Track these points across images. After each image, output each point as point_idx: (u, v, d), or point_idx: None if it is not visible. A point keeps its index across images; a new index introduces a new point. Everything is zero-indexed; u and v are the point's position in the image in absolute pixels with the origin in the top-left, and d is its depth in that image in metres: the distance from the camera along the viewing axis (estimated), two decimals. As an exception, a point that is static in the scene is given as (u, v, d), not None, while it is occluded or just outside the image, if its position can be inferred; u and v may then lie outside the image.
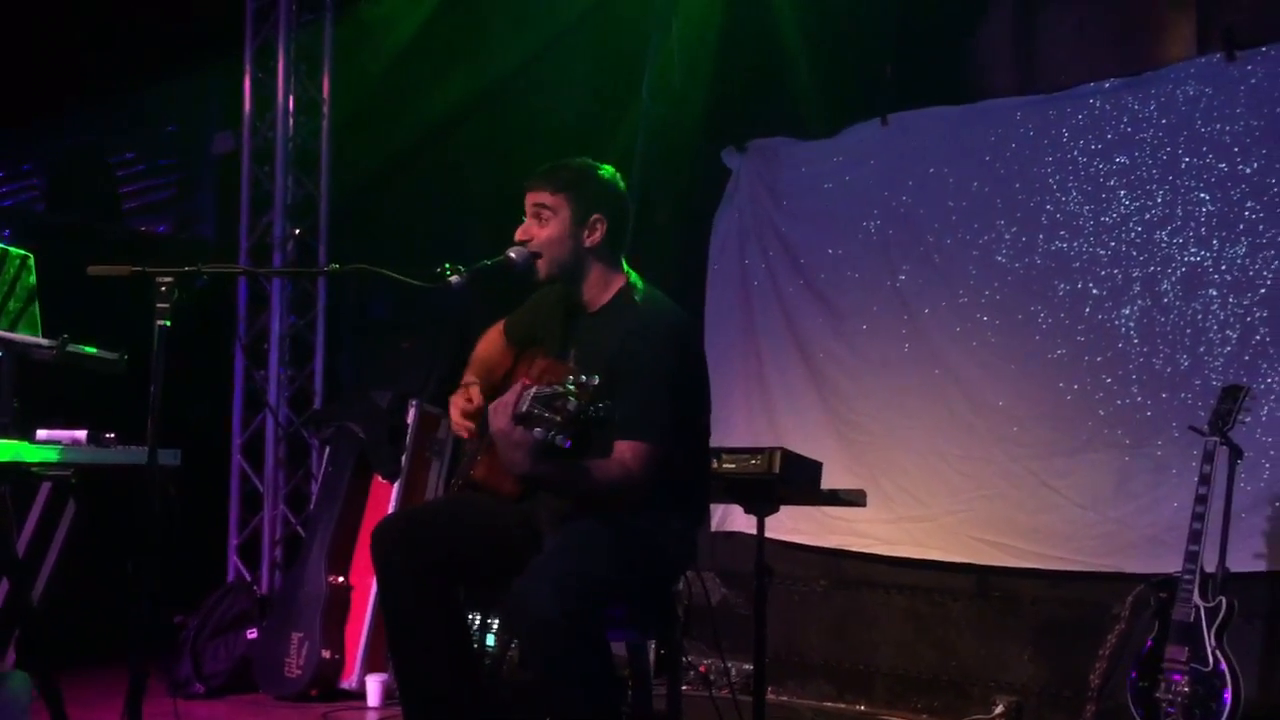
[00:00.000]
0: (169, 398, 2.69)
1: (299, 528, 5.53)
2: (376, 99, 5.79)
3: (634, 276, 2.96)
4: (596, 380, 2.43)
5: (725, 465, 3.51)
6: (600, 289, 2.92)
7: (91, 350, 3.27)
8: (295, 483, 5.70)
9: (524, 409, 2.48)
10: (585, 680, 2.57)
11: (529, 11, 5.46)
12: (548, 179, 2.90)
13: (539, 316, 3.09)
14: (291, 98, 5.72)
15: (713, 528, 5.15)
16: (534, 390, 2.48)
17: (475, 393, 2.98)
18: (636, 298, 2.91)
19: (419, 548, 2.76)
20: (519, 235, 2.90)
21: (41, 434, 3.13)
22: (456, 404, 2.98)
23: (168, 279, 2.66)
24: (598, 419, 2.44)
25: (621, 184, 2.98)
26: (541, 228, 2.87)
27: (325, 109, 5.77)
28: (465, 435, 2.98)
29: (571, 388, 2.43)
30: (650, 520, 2.81)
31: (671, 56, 5.27)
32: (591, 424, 2.45)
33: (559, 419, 2.42)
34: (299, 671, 4.77)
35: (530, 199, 2.90)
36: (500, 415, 2.54)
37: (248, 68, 5.77)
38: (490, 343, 3.20)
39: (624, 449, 2.70)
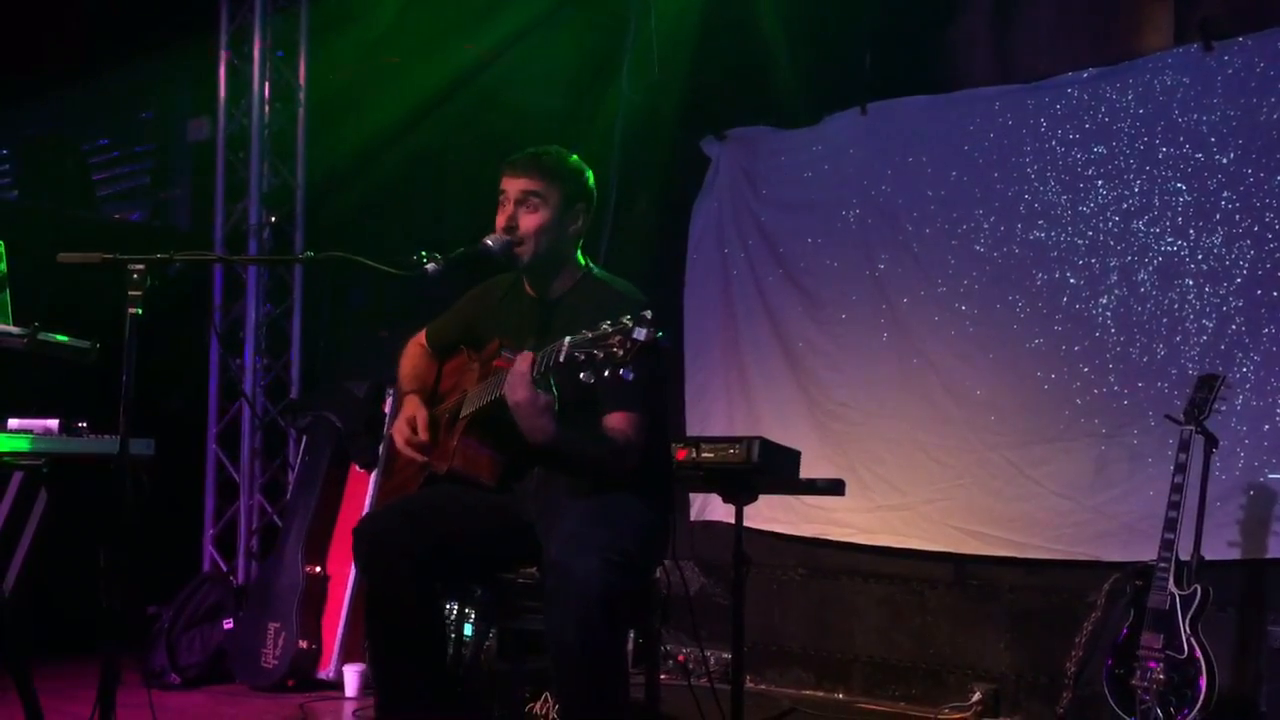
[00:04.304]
0: (143, 387, 2.66)
1: (275, 517, 5.50)
2: (353, 85, 5.74)
3: (589, 262, 2.98)
4: (626, 318, 2.39)
5: (704, 454, 3.51)
6: (567, 277, 2.93)
7: (63, 339, 3.23)
8: (271, 472, 5.67)
9: (561, 359, 2.43)
10: (616, 661, 2.59)
11: (507, -2, 5.43)
12: (535, 166, 2.86)
13: (481, 315, 3.05)
14: (267, 84, 5.67)
15: (691, 517, 5.15)
16: (567, 340, 2.44)
17: (421, 421, 2.92)
18: (601, 277, 2.94)
19: (405, 547, 2.71)
20: (503, 222, 2.85)
21: (13, 423, 3.12)
22: (401, 433, 2.92)
23: (139, 266, 2.63)
24: (653, 346, 2.36)
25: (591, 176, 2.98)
26: (529, 215, 2.84)
27: (301, 95, 5.73)
28: (419, 458, 2.92)
29: (608, 328, 2.39)
30: (642, 503, 2.82)
31: (651, 44, 5.24)
32: (659, 351, 2.38)
33: (618, 352, 2.35)
34: (275, 662, 4.75)
35: (515, 185, 2.85)
36: (520, 388, 2.53)
37: (223, 53, 5.72)
38: (413, 357, 3.19)
39: (615, 419, 2.72)
